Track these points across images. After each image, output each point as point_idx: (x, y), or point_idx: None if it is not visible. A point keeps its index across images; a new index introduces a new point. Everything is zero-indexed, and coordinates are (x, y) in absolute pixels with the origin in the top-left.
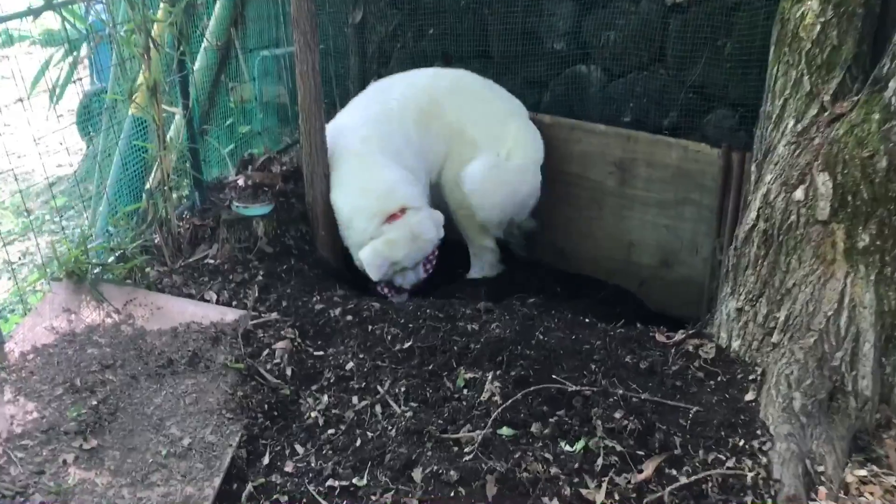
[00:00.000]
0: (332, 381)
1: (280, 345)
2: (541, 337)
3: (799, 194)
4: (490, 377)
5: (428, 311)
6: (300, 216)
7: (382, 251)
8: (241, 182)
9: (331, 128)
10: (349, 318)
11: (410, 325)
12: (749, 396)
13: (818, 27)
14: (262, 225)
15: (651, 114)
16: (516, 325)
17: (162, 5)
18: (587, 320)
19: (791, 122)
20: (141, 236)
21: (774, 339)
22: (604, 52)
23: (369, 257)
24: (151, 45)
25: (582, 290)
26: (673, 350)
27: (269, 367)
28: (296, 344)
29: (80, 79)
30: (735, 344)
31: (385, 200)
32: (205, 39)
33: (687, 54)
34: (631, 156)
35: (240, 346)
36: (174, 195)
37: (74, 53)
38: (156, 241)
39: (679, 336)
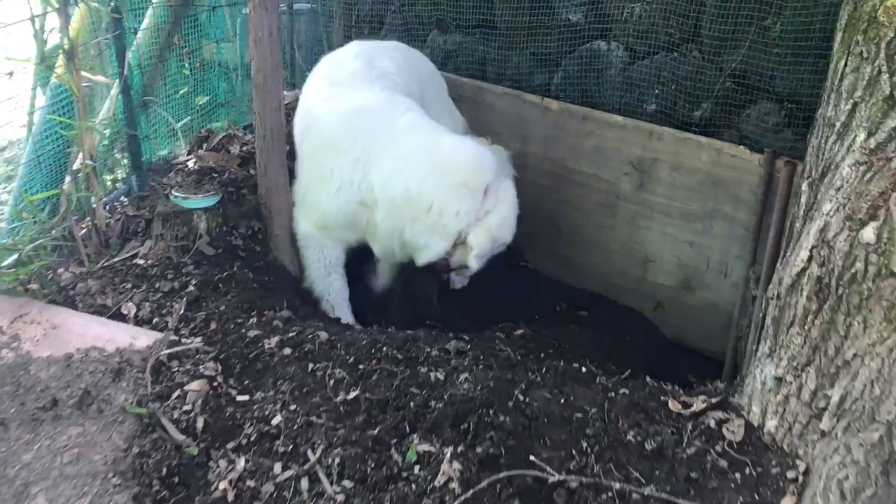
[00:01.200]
0: (252, 439)
1: (194, 385)
2: (521, 398)
3: (868, 234)
4: (449, 453)
5: (384, 349)
6: (252, 210)
7: (496, 233)
8: (190, 164)
9: (343, 110)
10: (287, 351)
11: (360, 367)
12: (787, 502)
13: None
14: (204, 220)
15: (679, 104)
16: (491, 380)
17: None
18: (583, 370)
19: (861, 135)
20: (51, 231)
21: (824, 425)
22: (627, 28)
23: (486, 243)
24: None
25: (587, 309)
26: (689, 425)
27: (176, 414)
28: (215, 385)
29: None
30: (771, 424)
31: (481, 170)
32: None
33: (727, 34)
34: (652, 155)
35: (146, 383)
36: (108, 179)
37: None
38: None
39: (698, 405)
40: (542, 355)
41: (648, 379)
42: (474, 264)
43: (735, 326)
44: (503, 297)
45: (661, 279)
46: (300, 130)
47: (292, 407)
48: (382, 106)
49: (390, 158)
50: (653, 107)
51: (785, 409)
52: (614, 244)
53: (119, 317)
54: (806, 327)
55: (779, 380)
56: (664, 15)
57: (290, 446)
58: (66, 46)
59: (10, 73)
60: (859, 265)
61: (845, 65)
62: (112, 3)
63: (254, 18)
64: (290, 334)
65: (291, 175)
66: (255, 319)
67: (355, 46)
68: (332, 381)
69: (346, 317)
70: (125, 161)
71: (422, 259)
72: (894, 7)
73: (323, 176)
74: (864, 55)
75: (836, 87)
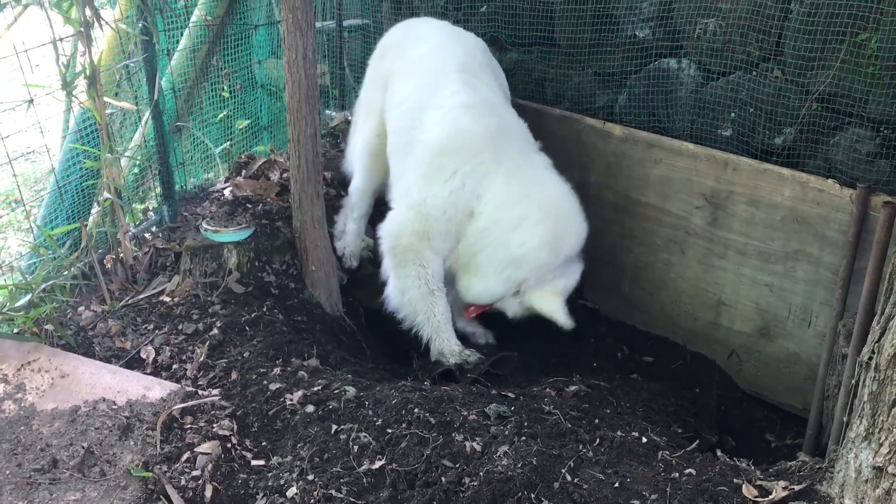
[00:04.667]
0: None
1: (206, 447)
2: (568, 478)
3: None
4: None
5: (416, 410)
6: (287, 244)
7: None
8: (227, 192)
9: (491, 122)
10: (310, 408)
11: (389, 431)
12: None
13: None
14: (235, 254)
15: (759, 129)
16: (534, 455)
17: None
18: (644, 440)
19: None
20: (71, 267)
21: None
22: (700, 45)
23: (555, 304)
24: (94, 20)
25: (652, 355)
26: None
27: (184, 480)
28: (229, 446)
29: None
30: None
31: (577, 242)
32: (193, 15)
33: (814, 52)
34: (728, 188)
35: (155, 442)
36: (138, 208)
37: None
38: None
39: (778, 492)
40: (597, 420)
41: (720, 454)
42: (567, 325)
43: (821, 384)
44: (560, 339)
45: (736, 325)
46: (407, 118)
47: (310, 476)
48: (523, 132)
49: (515, 184)
50: (728, 132)
51: None
52: (684, 284)
53: (137, 362)
54: None
55: (879, 469)
56: (742, 31)
57: None
58: (87, 71)
59: (31, 101)
60: None
61: None
62: (141, 25)
63: (288, 40)
64: (315, 388)
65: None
66: (279, 369)
67: (461, 31)
68: (356, 447)
69: (452, 341)
70: (156, 190)
71: (474, 289)
72: None
73: (442, 174)
74: None
75: None
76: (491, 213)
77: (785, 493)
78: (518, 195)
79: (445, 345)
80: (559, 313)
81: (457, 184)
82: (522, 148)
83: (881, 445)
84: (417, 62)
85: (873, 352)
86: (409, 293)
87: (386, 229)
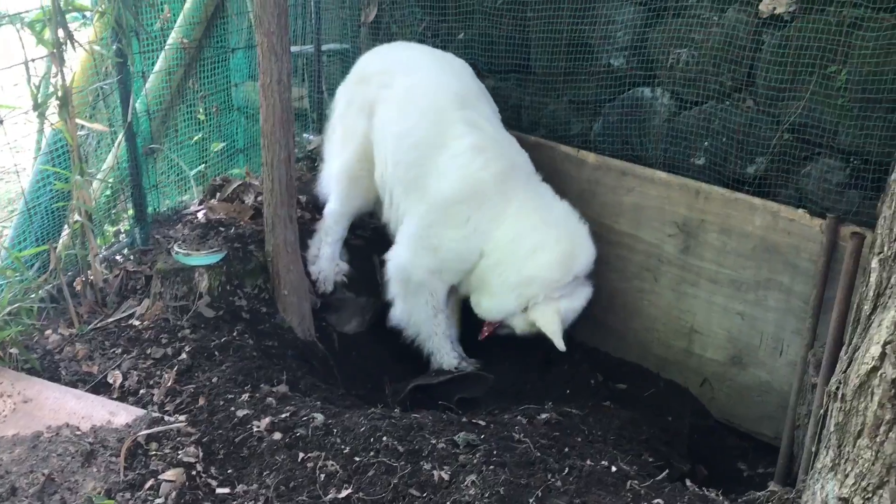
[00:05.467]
0: None
1: (170, 474)
2: None
3: None
4: None
5: (385, 438)
6: (259, 268)
7: (561, 315)
8: (200, 215)
9: (498, 170)
10: (277, 436)
11: (356, 459)
12: None
13: None
14: (206, 278)
15: (731, 158)
16: (502, 484)
17: None
18: (613, 469)
19: None
20: (38, 290)
21: None
22: (673, 74)
23: (551, 322)
24: (68, 42)
25: (625, 382)
26: None
27: None
28: (194, 473)
29: None
30: None
31: (584, 259)
32: (169, 37)
33: (785, 83)
34: (699, 216)
35: (119, 468)
36: (110, 230)
37: None
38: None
39: None
40: (567, 449)
41: (689, 484)
42: (560, 345)
43: (792, 413)
44: (534, 366)
45: (708, 353)
46: (414, 155)
47: None
48: (526, 164)
49: (524, 217)
50: (701, 161)
51: None
52: (657, 312)
53: (104, 386)
54: (878, 440)
55: (845, 501)
56: (714, 61)
57: None
58: (60, 93)
59: (0, 122)
60: None
61: None
62: (116, 47)
63: (263, 64)
64: (283, 415)
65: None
66: (247, 396)
67: (445, 54)
68: (322, 475)
69: (451, 354)
70: (129, 212)
71: (484, 305)
72: None
73: (456, 223)
74: None
75: None
76: (503, 248)
77: None
78: (529, 228)
79: (445, 359)
80: (555, 333)
81: (470, 229)
82: (528, 181)
83: (847, 476)
84: (411, 93)
85: (840, 382)
86: (416, 316)
87: (398, 265)
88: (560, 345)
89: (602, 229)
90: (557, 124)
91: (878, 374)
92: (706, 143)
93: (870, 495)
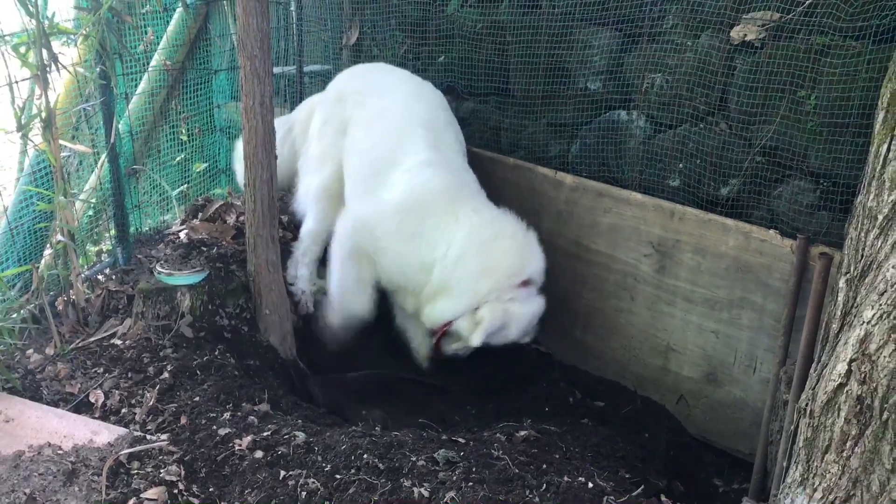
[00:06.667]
0: None
1: (152, 493)
2: None
3: None
4: None
5: (365, 456)
6: (241, 287)
7: (508, 317)
8: (182, 235)
9: (444, 184)
10: (258, 454)
11: (337, 477)
12: None
13: None
14: (188, 298)
15: (705, 179)
16: (480, 501)
17: (75, 13)
18: (590, 486)
19: None
20: (20, 310)
21: None
22: (648, 98)
23: (496, 319)
24: (52, 64)
25: (603, 399)
26: None
27: None
28: (175, 492)
29: None
30: None
31: (529, 262)
32: (153, 59)
33: (756, 107)
34: (674, 237)
35: (101, 488)
36: (93, 250)
37: None
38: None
39: None
40: (545, 465)
41: (664, 499)
42: (475, 339)
43: (765, 429)
44: (513, 386)
45: (684, 370)
46: (369, 168)
47: None
48: (474, 186)
49: (473, 223)
50: (676, 182)
51: None
52: (633, 330)
53: (86, 406)
54: (844, 454)
55: None
56: (688, 86)
57: None
58: (43, 114)
59: None
60: None
61: (888, 150)
62: (99, 69)
63: (245, 87)
64: (265, 433)
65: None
66: (229, 414)
67: (423, 83)
68: (304, 493)
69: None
70: (111, 232)
71: (433, 314)
72: None
73: (403, 235)
74: None
75: (878, 174)
76: (458, 249)
77: None
78: (481, 230)
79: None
80: (485, 330)
81: (415, 244)
82: (475, 197)
83: (815, 490)
84: (380, 115)
85: (809, 398)
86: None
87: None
88: (475, 339)
89: (580, 249)
90: (536, 146)
91: (845, 390)
92: (681, 165)
93: None
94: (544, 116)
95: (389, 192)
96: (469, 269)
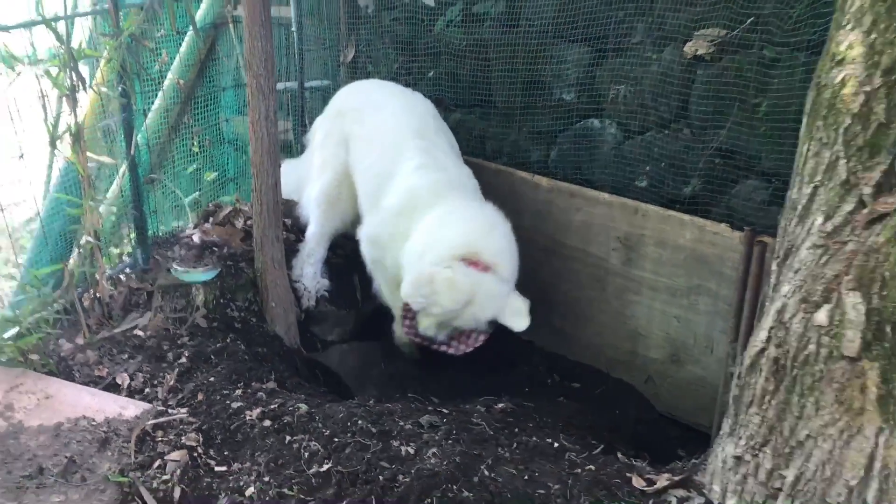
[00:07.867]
0: None
1: (175, 455)
2: (486, 473)
3: (821, 317)
4: None
5: (360, 422)
6: (249, 283)
7: (433, 281)
8: (195, 238)
9: (432, 181)
10: (266, 423)
11: (336, 440)
12: None
13: (861, 98)
14: (202, 293)
15: (669, 180)
16: (458, 455)
17: (100, 39)
18: (555, 445)
19: (819, 219)
20: (54, 304)
21: None
22: (617, 107)
23: (421, 276)
24: (80, 85)
25: (579, 381)
26: (651, 502)
27: (156, 483)
28: (195, 455)
29: None
30: (730, 503)
31: (483, 240)
32: (167, 78)
33: (711, 113)
34: (639, 231)
35: (130, 452)
36: (115, 252)
37: None
38: (83, 307)
39: (661, 482)
40: (517, 430)
41: (620, 455)
42: (403, 290)
43: (720, 400)
44: (497, 369)
45: (651, 353)
46: (374, 184)
47: (266, 478)
48: (473, 185)
49: (447, 208)
50: (644, 183)
51: (743, 489)
52: (605, 318)
53: (113, 387)
54: (763, 407)
55: (738, 458)
56: (653, 95)
57: None
58: (73, 129)
59: (21, 156)
60: (812, 347)
61: (808, 149)
62: (120, 88)
63: (252, 102)
64: (272, 406)
65: (291, 252)
66: (240, 391)
67: (413, 95)
68: (306, 454)
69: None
70: (131, 236)
71: (399, 297)
72: (852, 95)
73: (402, 235)
74: (824, 140)
75: (800, 170)
76: (412, 239)
77: (667, 483)
78: (438, 219)
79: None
80: (409, 277)
81: (399, 242)
82: (460, 189)
83: (741, 439)
84: (377, 130)
85: (739, 364)
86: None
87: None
88: (404, 290)
89: (556, 245)
90: (518, 152)
91: (765, 353)
92: (647, 168)
93: (756, 452)
94: (525, 125)
95: (388, 199)
96: (419, 245)
